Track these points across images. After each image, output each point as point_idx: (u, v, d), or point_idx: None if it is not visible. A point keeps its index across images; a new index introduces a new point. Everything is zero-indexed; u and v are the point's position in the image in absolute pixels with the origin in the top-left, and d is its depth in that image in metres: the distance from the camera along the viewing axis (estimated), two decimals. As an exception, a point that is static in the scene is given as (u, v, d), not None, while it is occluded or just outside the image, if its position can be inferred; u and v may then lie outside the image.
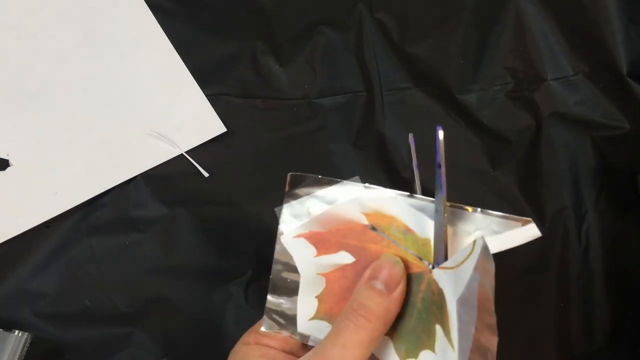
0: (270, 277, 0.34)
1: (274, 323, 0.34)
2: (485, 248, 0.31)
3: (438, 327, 0.31)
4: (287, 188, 0.35)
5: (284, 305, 0.34)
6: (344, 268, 0.33)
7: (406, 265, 0.32)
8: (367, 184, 0.34)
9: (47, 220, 0.45)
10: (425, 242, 0.32)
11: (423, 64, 0.52)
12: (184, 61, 0.50)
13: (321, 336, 0.32)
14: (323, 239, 0.34)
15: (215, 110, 0.49)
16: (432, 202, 0.33)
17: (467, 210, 0.32)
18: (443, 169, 0.32)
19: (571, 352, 0.46)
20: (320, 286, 0.33)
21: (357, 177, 0.38)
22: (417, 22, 0.53)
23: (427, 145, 0.50)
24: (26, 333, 0.42)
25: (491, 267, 0.30)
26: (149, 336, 0.44)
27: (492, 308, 0.31)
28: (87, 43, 0.50)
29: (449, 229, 0.32)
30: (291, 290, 0.34)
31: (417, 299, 0.32)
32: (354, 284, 0.32)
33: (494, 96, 0.51)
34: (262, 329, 0.34)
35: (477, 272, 0.30)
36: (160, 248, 0.46)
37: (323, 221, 0.34)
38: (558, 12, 0.52)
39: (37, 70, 0.49)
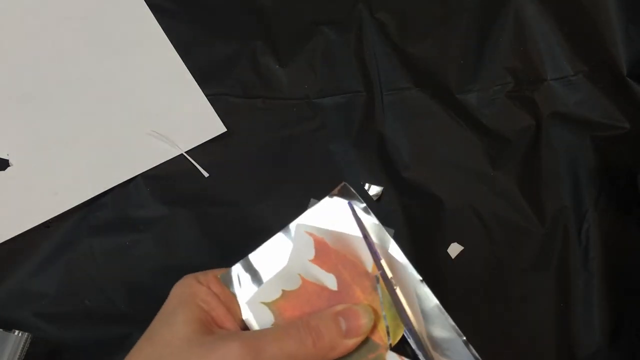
0: (265, 243, 0.35)
1: (233, 279, 0.34)
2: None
3: None
4: (334, 191, 0.36)
5: (253, 275, 0.34)
6: (323, 288, 0.34)
7: (374, 328, 0.33)
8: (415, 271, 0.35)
9: (47, 220, 0.45)
10: (399, 325, 0.33)
11: (423, 64, 0.52)
12: (184, 61, 0.50)
13: (257, 323, 0.33)
14: (326, 252, 0.34)
15: (215, 110, 0.49)
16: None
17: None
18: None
19: (571, 352, 0.46)
20: (293, 285, 0.34)
21: (392, 231, 0.38)
22: (417, 22, 0.53)
23: (427, 145, 0.50)
24: (26, 333, 0.42)
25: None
26: (149, 336, 0.44)
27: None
28: (86, 43, 0.50)
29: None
30: (269, 268, 0.34)
31: None
32: (319, 308, 0.33)
33: (494, 96, 0.51)
34: (219, 275, 0.34)
35: None
36: (160, 248, 0.46)
37: (339, 239, 0.34)
38: (558, 12, 0.52)
39: (37, 70, 0.49)
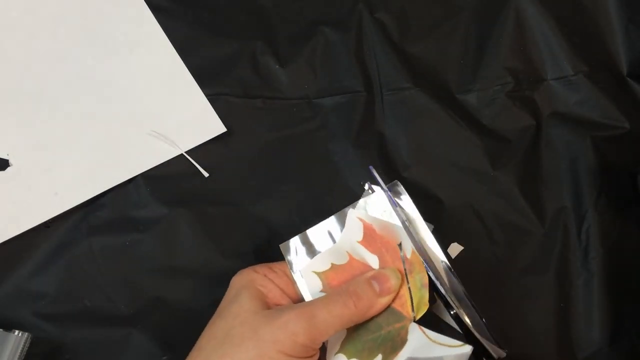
0: (322, 222, 0.40)
1: (290, 249, 0.40)
2: (466, 355, 0.37)
3: (380, 357, 0.36)
4: (387, 185, 0.40)
5: (308, 248, 0.40)
6: (366, 266, 0.39)
7: (400, 302, 0.38)
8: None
9: (47, 220, 0.45)
10: (426, 304, 0.38)
11: (423, 64, 0.52)
12: (184, 61, 0.50)
13: (308, 293, 0.38)
14: (372, 237, 0.39)
15: (215, 110, 0.49)
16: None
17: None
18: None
19: (571, 352, 0.46)
20: (341, 260, 0.39)
21: (432, 226, 0.42)
22: (417, 22, 0.53)
23: (427, 145, 0.50)
24: (26, 333, 0.42)
25: None
26: (149, 336, 0.44)
27: None
28: (87, 43, 0.50)
29: None
30: (323, 244, 0.40)
31: (386, 328, 0.37)
32: (352, 276, 0.38)
33: (494, 96, 0.51)
34: (280, 245, 0.40)
35: None
36: (160, 248, 0.46)
37: (384, 227, 0.39)
38: (558, 12, 0.52)
39: (37, 70, 0.49)
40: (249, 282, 0.38)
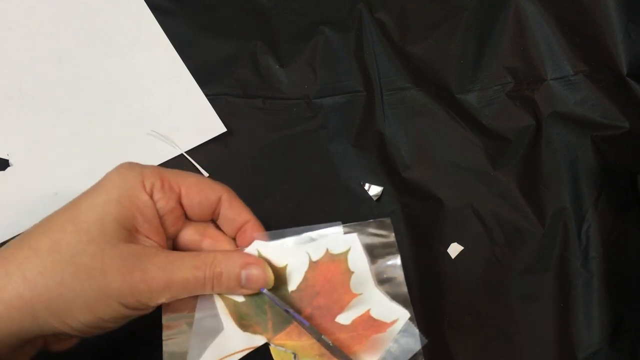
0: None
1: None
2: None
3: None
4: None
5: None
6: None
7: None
8: None
9: (47, 220, 0.45)
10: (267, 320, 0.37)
11: (423, 64, 0.52)
12: (184, 61, 0.50)
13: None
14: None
15: (215, 110, 0.49)
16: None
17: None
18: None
19: (571, 352, 0.46)
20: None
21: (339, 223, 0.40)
22: (417, 22, 0.53)
23: (427, 145, 0.50)
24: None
25: None
26: (149, 336, 0.44)
27: None
28: (87, 43, 0.50)
29: None
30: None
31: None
32: None
33: (494, 96, 0.51)
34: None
35: None
36: (160, 248, 0.46)
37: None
38: (558, 12, 0.52)
39: (37, 70, 0.49)
40: (127, 199, 0.34)
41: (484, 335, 0.46)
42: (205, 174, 0.48)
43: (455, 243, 0.48)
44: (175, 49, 0.50)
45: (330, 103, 0.51)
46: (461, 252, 0.47)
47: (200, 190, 0.36)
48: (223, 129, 0.49)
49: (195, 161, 0.48)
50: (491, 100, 0.51)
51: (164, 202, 0.35)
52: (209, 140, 0.48)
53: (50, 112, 0.48)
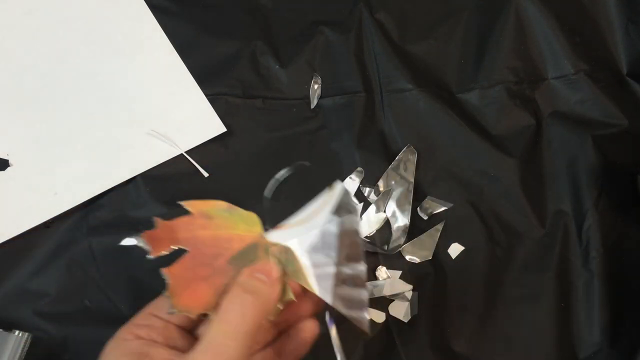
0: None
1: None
2: (344, 190, 0.33)
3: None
4: None
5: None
6: (182, 261, 0.33)
7: (239, 239, 0.33)
8: None
9: (47, 220, 0.45)
10: (250, 214, 0.34)
11: (423, 64, 0.52)
12: (184, 61, 0.50)
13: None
14: (154, 238, 0.33)
15: (215, 110, 0.49)
16: None
17: None
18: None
19: (572, 352, 0.46)
20: (163, 297, 0.32)
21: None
22: (417, 22, 0.53)
23: (427, 145, 0.50)
24: (26, 333, 0.42)
25: (352, 208, 0.32)
26: None
27: (359, 241, 0.33)
28: (87, 43, 0.50)
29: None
30: None
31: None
32: (195, 273, 0.32)
33: (494, 95, 0.51)
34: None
35: (336, 216, 0.32)
36: (160, 248, 0.46)
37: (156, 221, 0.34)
38: (558, 12, 0.52)
39: (37, 70, 0.49)
40: (125, 356, 0.31)
41: (484, 335, 0.46)
42: (205, 174, 0.48)
43: (456, 243, 0.48)
44: (175, 49, 0.50)
45: (330, 103, 0.51)
46: (461, 252, 0.47)
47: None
48: (223, 129, 0.49)
49: (195, 161, 0.48)
50: (492, 100, 0.51)
51: (151, 331, 0.33)
52: (209, 140, 0.48)
53: (50, 112, 0.48)
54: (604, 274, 0.47)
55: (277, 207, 0.47)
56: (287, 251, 0.33)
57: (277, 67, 0.51)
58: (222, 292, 0.32)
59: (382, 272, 0.47)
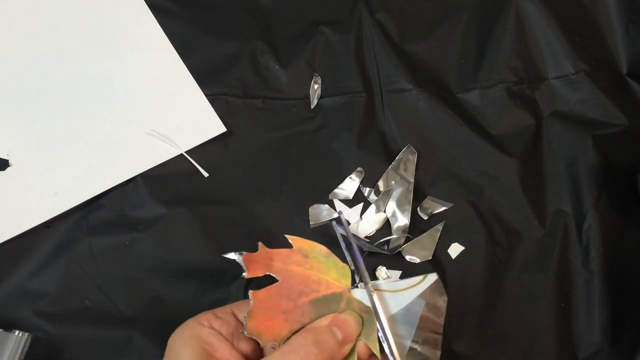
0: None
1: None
2: (436, 282, 0.35)
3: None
4: None
5: None
6: (269, 289, 0.35)
7: (326, 285, 0.36)
8: None
9: (47, 220, 0.45)
10: (345, 266, 0.36)
11: (423, 64, 0.52)
12: (184, 61, 0.50)
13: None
14: (252, 260, 0.35)
15: (215, 110, 0.49)
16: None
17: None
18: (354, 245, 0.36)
19: (572, 352, 0.46)
20: (248, 304, 0.35)
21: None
22: (417, 22, 0.53)
23: (427, 145, 0.50)
24: (26, 333, 0.42)
25: (440, 300, 0.35)
26: (149, 336, 0.44)
27: (440, 331, 0.35)
28: (87, 43, 0.50)
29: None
30: None
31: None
32: (278, 304, 0.35)
33: (494, 95, 0.51)
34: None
35: (422, 299, 0.35)
36: (159, 248, 0.46)
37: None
38: (558, 11, 0.52)
39: (37, 70, 0.49)
40: (191, 339, 0.34)
41: (484, 335, 0.46)
42: (205, 174, 0.48)
43: (456, 243, 0.48)
44: (175, 49, 0.50)
45: (330, 103, 0.51)
46: (461, 252, 0.47)
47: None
48: (223, 129, 0.49)
49: (195, 161, 0.48)
50: (492, 100, 0.51)
51: (223, 326, 0.35)
52: (208, 140, 0.48)
53: (50, 112, 0.48)
54: (604, 274, 0.47)
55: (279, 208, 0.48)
56: (368, 312, 0.35)
57: (277, 67, 0.51)
58: (296, 330, 0.34)
59: (382, 272, 0.47)
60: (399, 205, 0.48)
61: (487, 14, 0.53)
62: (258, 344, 0.35)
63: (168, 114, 0.49)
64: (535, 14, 0.52)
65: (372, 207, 0.48)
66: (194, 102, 0.49)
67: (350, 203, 0.48)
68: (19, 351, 0.41)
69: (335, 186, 0.48)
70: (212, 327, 0.35)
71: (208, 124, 0.49)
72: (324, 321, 0.34)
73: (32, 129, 0.48)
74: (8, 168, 0.46)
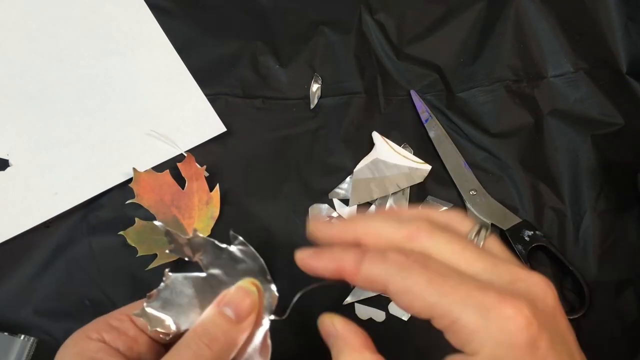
0: None
1: None
2: None
3: None
4: None
5: None
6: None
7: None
8: None
9: (47, 220, 0.45)
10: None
11: (423, 64, 0.52)
12: (184, 61, 0.50)
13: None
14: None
15: (215, 110, 0.49)
16: None
17: None
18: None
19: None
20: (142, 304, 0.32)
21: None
22: (417, 22, 0.53)
23: (427, 146, 0.50)
24: (32, 337, 0.42)
25: None
26: (149, 336, 0.44)
27: None
28: (87, 43, 0.50)
29: None
30: None
31: None
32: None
33: (494, 93, 0.51)
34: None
35: None
36: (160, 248, 0.46)
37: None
38: (558, 10, 0.52)
39: (37, 70, 0.49)
40: (75, 358, 0.29)
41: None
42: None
43: (456, 243, 0.47)
44: (175, 49, 0.51)
45: (330, 103, 0.51)
46: (462, 252, 0.47)
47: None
48: (223, 129, 0.49)
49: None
50: (491, 98, 0.51)
51: (119, 338, 0.31)
52: (208, 140, 0.48)
53: (50, 112, 0.48)
54: (603, 273, 0.47)
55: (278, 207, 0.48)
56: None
57: (277, 67, 0.51)
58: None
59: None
60: (399, 205, 0.48)
61: (487, 12, 0.53)
62: (161, 354, 0.30)
63: (168, 114, 0.49)
64: (534, 12, 0.52)
65: (372, 207, 0.48)
66: (194, 102, 0.49)
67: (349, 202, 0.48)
68: (24, 355, 0.41)
69: (335, 186, 0.48)
70: (102, 340, 0.30)
71: (208, 124, 0.49)
72: (212, 307, 0.30)
73: (32, 129, 0.48)
74: (8, 168, 0.46)
